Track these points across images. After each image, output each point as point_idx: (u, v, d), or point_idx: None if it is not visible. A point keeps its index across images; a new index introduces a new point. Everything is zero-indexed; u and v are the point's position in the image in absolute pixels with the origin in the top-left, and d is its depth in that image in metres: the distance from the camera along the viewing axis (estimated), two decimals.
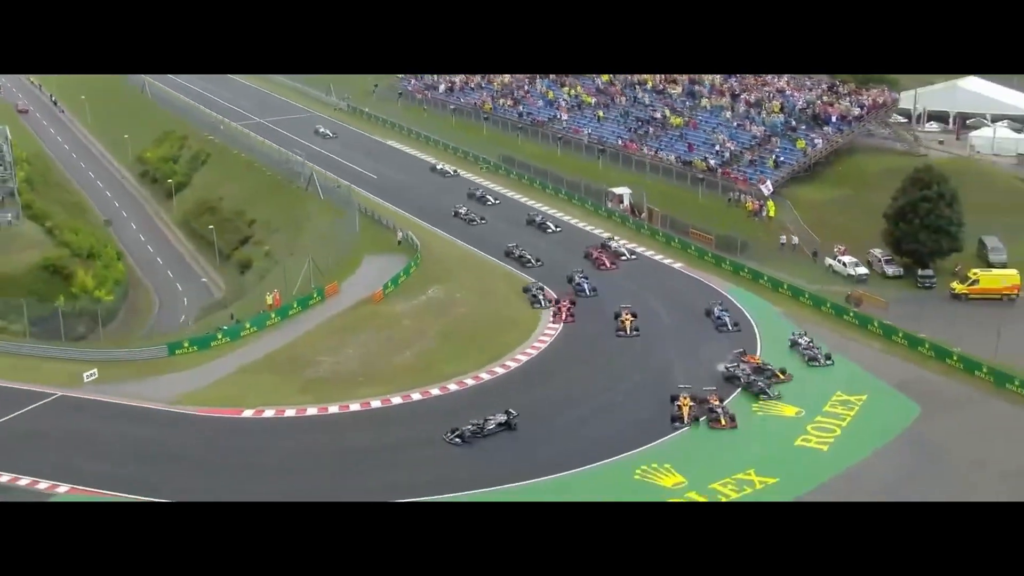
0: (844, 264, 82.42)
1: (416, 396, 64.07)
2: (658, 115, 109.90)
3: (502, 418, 59.10)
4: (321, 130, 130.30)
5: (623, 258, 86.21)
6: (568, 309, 75.26)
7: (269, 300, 77.17)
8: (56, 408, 63.64)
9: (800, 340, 68.48)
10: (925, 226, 79.54)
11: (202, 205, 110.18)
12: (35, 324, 77.08)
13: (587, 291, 78.89)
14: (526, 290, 79.28)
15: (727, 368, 65.42)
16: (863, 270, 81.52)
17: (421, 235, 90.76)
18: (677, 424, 59.09)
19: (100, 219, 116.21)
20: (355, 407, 62.81)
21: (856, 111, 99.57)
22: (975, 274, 77.98)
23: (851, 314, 73.72)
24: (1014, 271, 78.35)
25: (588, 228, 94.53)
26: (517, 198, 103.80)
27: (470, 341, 71.51)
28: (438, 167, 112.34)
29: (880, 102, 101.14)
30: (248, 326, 73.50)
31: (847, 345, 69.78)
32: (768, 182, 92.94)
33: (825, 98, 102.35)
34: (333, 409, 62.66)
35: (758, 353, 68.06)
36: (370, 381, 66.19)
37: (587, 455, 56.24)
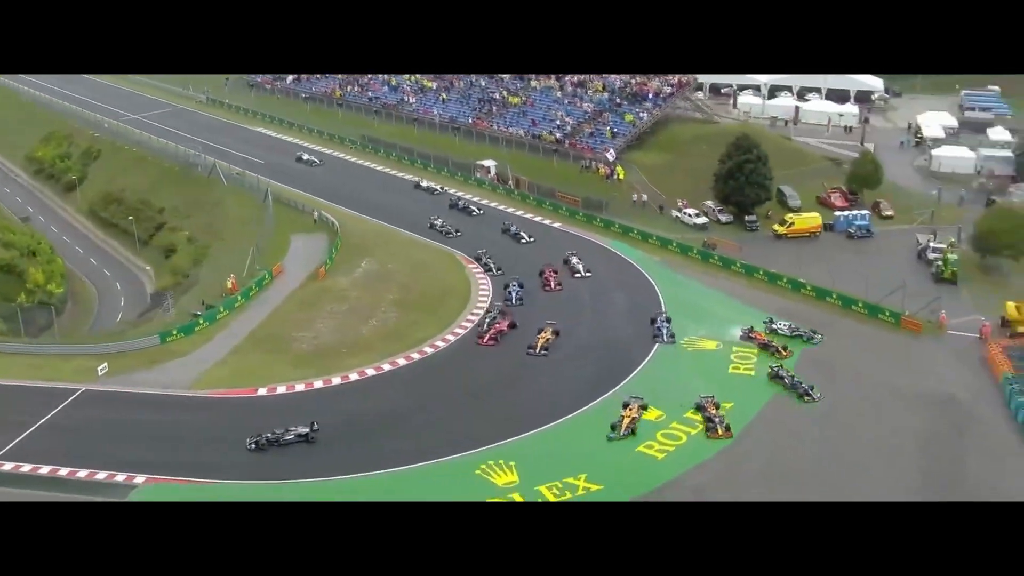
0: (688, 215, 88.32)
1: (401, 361, 65.11)
2: (497, 96, 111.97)
3: (303, 430, 54.73)
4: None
5: (578, 275, 76.41)
6: (495, 333, 66.33)
7: (229, 284, 75.49)
8: (87, 402, 61.02)
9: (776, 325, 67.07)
10: (749, 182, 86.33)
11: (107, 197, 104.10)
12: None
13: (514, 300, 71.83)
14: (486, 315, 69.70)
15: (771, 368, 61.06)
16: (703, 219, 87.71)
17: (327, 212, 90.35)
18: (611, 435, 54.64)
19: (15, 217, 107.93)
20: (354, 376, 63.34)
21: (667, 89, 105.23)
22: (791, 218, 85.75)
23: (715, 258, 79.73)
24: (816, 214, 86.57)
25: (500, 207, 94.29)
26: (395, 173, 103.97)
27: (422, 308, 72.89)
28: (303, 157, 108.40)
29: (684, 81, 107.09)
30: (222, 309, 71.84)
31: (720, 284, 75.65)
32: (611, 150, 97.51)
33: (639, 78, 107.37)
34: (336, 380, 62.88)
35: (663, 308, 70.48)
36: (352, 352, 66.66)
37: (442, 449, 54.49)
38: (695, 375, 62.33)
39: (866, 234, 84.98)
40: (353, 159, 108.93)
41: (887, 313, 68.91)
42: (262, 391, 61.54)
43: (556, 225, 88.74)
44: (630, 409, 56.26)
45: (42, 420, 58.24)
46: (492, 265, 78.91)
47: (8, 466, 53.81)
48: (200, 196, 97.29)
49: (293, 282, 77.77)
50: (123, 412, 59.59)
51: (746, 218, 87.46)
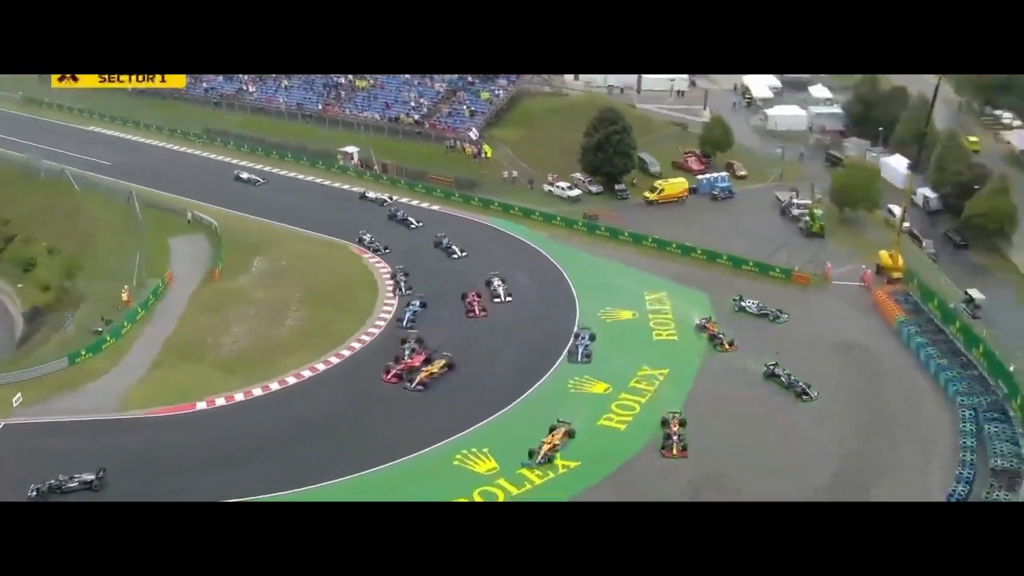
0: (561, 188, 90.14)
1: (334, 360, 63.66)
2: (343, 80, 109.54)
3: (88, 477, 50.21)
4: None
5: (498, 300, 70.01)
6: (402, 370, 60.40)
7: (124, 296, 71.08)
8: (12, 438, 55.82)
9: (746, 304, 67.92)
10: (617, 153, 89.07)
11: None
12: None
13: (405, 322, 66.92)
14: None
15: (767, 367, 59.53)
16: (576, 191, 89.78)
17: (201, 211, 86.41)
18: (526, 462, 51.40)
19: None
20: (291, 380, 61.35)
21: None
22: (660, 184, 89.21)
23: (602, 228, 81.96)
24: (683, 179, 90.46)
25: (371, 193, 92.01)
26: (254, 165, 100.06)
27: (333, 303, 71.24)
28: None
29: None
30: (125, 323, 67.70)
31: (614, 254, 78.04)
32: (474, 129, 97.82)
33: None
34: (274, 386, 60.68)
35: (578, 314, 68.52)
36: (286, 353, 64.59)
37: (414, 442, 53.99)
38: (627, 345, 64.53)
39: (728, 195, 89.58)
40: (206, 154, 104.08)
41: (777, 270, 73.36)
42: (201, 405, 58.76)
43: (435, 208, 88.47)
44: (553, 434, 53.18)
45: None
46: (379, 245, 79.01)
47: None
48: (51, 203, 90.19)
49: (188, 287, 73.85)
50: (57, 443, 55.17)
51: (616, 187, 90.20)
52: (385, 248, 79.11)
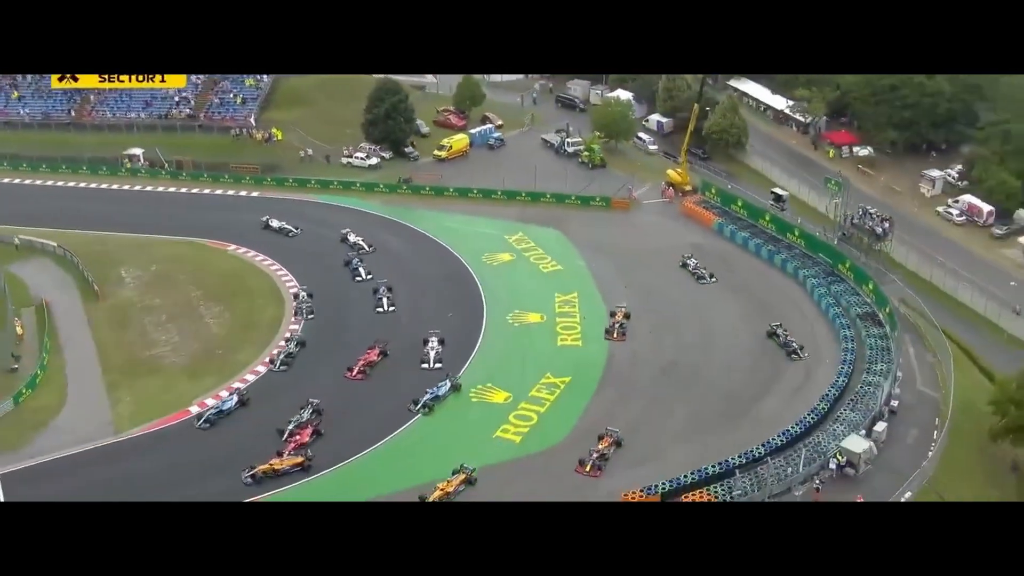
0: (359, 159, 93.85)
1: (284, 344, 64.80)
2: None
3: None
4: None
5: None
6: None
7: (19, 330, 65.94)
8: (20, 485, 51.59)
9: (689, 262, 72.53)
10: (406, 120, 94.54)
11: None
12: None
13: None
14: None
15: (770, 326, 63.86)
16: (375, 160, 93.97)
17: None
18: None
19: None
20: (262, 369, 62.13)
21: None
22: (447, 142, 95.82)
23: (427, 188, 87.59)
24: (464, 135, 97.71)
25: (175, 190, 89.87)
26: (31, 183, 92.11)
27: (236, 295, 71.08)
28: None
29: None
30: (44, 355, 63.36)
31: (449, 208, 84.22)
32: (251, 116, 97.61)
33: None
34: (251, 377, 61.24)
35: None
36: (227, 350, 64.61)
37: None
38: (522, 281, 72.10)
39: (501, 144, 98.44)
40: None
41: (597, 199, 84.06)
42: (194, 409, 58.22)
43: (255, 194, 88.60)
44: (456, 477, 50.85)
45: None
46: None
47: None
48: None
49: (71, 310, 69.71)
50: (80, 479, 52.53)
51: (407, 151, 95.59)
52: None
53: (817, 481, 50.51)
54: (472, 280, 71.58)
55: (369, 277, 71.51)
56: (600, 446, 52.75)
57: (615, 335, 63.58)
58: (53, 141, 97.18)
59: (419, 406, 56.50)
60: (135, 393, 59.96)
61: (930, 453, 52.61)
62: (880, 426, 53.93)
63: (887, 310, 64.02)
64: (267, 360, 62.40)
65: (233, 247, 78.10)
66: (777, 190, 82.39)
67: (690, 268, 71.95)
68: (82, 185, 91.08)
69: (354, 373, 59.84)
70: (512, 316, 66.76)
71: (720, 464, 50.74)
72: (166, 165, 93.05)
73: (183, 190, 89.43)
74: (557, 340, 64.13)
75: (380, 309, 67.63)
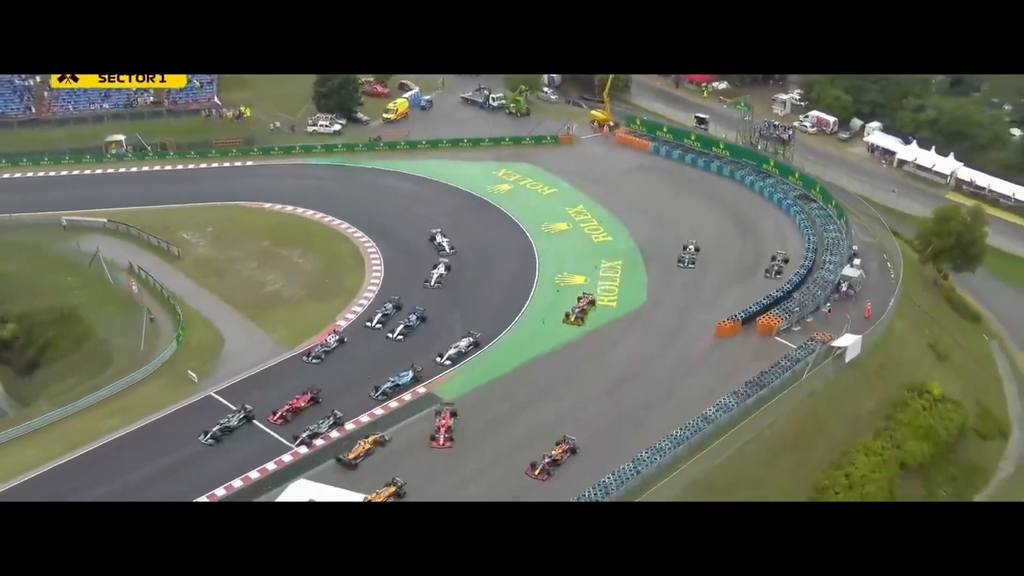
0: (324, 126, 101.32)
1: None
2: (34, 80, 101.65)
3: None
4: None
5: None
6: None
7: (135, 289, 70.59)
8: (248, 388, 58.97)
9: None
10: (352, 89, 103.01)
11: None
12: None
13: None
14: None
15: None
16: (337, 126, 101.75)
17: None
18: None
19: None
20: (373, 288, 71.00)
21: None
22: (392, 106, 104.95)
23: (402, 143, 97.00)
24: (404, 99, 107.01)
25: (161, 167, 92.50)
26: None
27: (306, 241, 78.18)
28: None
29: None
30: (175, 304, 68.70)
31: (427, 156, 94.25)
32: (214, 97, 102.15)
33: None
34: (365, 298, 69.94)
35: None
36: (332, 279, 72.50)
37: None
38: (536, 199, 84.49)
39: (430, 105, 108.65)
40: None
41: (547, 138, 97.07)
42: (342, 323, 66.48)
43: (250, 163, 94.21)
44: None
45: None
46: None
47: None
48: None
49: (160, 270, 73.90)
50: (302, 378, 59.18)
51: (359, 117, 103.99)
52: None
53: (827, 305, 67.24)
54: (492, 206, 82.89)
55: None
56: (555, 452, 52.14)
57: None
58: (21, 139, 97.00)
59: (379, 393, 56.80)
60: (280, 320, 67.15)
61: (893, 274, 71.07)
62: (855, 262, 71.66)
63: (817, 189, 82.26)
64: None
65: (269, 204, 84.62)
66: (699, 114, 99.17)
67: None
68: (75, 173, 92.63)
69: (275, 417, 55.17)
70: (544, 226, 79.03)
71: (767, 297, 66.53)
72: (149, 148, 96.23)
73: (179, 167, 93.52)
74: (592, 238, 77.33)
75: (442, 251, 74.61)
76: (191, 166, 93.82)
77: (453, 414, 54.88)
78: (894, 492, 55.07)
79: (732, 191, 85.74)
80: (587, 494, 48.67)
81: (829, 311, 66.09)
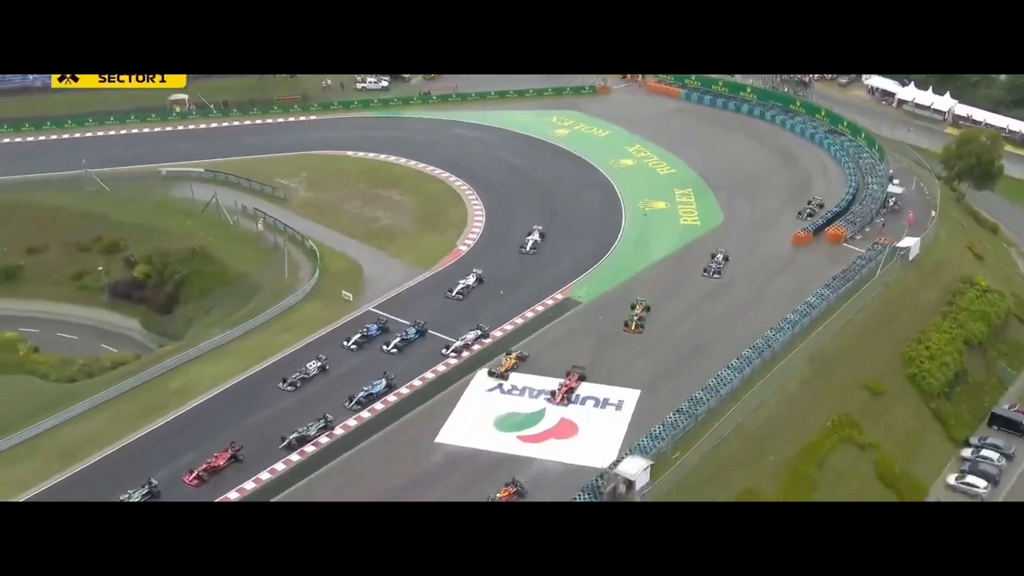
0: (372, 83, 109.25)
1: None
2: None
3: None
4: None
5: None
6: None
7: (260, 227, 78.21)
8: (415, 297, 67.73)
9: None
10: None
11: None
12: None
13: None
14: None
15: None
16: (384, 82, 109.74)
17: None
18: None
19: None
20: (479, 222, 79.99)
21: None
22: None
23: (454, 96, 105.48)
24: None
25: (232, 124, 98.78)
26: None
27: (400, 182, 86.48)
28: None
29: None
30: (302, 238, 76.53)
31: (482, 107, 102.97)
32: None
33: None
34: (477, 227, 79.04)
35: None
36: (439, 213, 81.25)
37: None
38: (599, 138, 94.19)
39: None
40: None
41: (586, 88, 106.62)
42: (462, 248, 75.39)
43: (313, 117, 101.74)
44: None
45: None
46: None
47: None
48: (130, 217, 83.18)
49: (270, 211, 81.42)
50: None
51: (403, 75, 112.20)
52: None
53: (880, 218, 78.69)
54: (559, 148, 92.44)
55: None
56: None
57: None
58: (81, 101, 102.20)
59: (353, 403, 56.90)
60: (404, 248, 75.45)
61: (927, 192, 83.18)
62: (895, 181, 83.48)
63: (845, 123, 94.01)
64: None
65: (351, 152, 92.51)
66: None
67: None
68: (145, 131, 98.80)
69: (191, 478, 51.32)
70: (612, 163, 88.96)
71: (829, 212, 77.87)
72: (212, 106, 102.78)
73: (247, 123, 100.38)
74: (658, 171, 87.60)
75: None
76: (257, 121, 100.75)
77: (581, 378, 58.89)
78: (964, 363, 66.97)
79: (765, 129, 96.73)
80: (723, 373, 58.88)
81: (883, 223, 77.59)
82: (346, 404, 56.74)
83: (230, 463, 52.24)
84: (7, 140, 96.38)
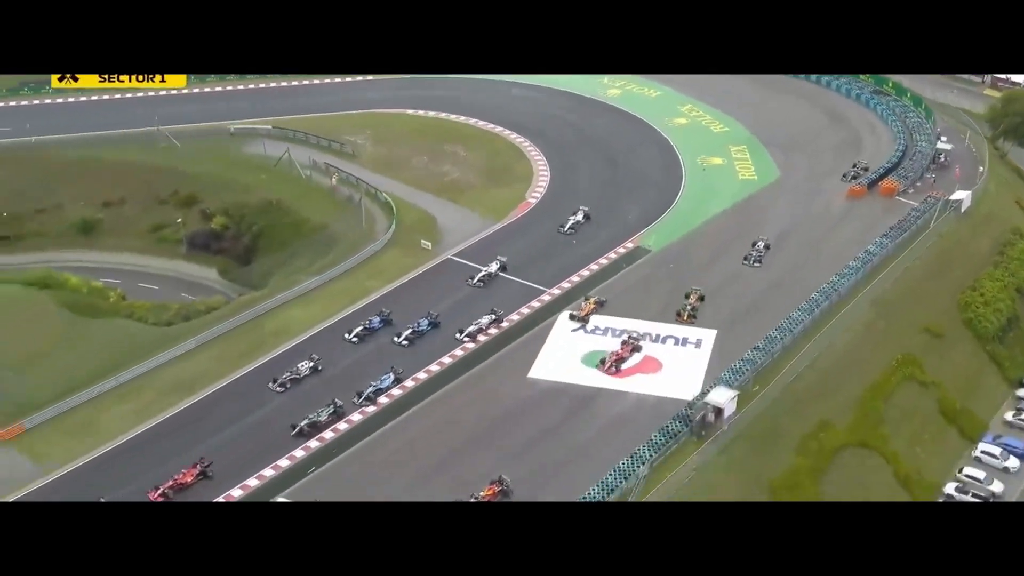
0: None
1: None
2: None
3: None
4: None
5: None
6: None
7: (333, 181, 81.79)
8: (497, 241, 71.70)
9: None
10: None
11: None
12: None
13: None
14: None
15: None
16: None
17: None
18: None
19: None
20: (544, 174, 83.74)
21: None
22: None
23: None
24: None
25: None
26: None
27: (462, 137, 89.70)
28: None
29: None
30: (376, 191, 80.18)
31: None
32: None
33: None
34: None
35: None
36: (505, 166, 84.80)
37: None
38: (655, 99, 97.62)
39: None
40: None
41: None
42: (532, 201, 79.08)
43: (358, 79, 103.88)
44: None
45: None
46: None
47: None
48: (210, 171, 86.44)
49: (340, 166, 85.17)
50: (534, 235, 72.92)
51: None
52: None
53: (930, 174, 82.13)
54: (613, 107, 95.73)
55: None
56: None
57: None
58: None
59: (362, 398, 56.63)
60: (474, 200, 79.08)
61: (974, 149, 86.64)
62: (943, 138, 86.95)
63: (890, 84, 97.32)
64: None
65: (411, 110, 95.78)
66: None
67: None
68: (195, 91, 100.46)
69: (156, 494, 49.52)
70: (666, 121, 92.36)
71: (880, 168, 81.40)
72: None
73: (294, 83, 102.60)
74: (712, 129, 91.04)
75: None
76: (316, 81, 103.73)
77: (635, 349, 59.98)
78: (1016, 309, 70.88)
79: (812, 90, 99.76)
80: (795, 315, 62.66)
81: (933, 179, 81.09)
82: (355, 400, 56.37)
83: (198, 479, 50.72)
84: (73, 99, 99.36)
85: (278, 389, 58.03)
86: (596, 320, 63.06)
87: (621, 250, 71.44)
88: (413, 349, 61.29)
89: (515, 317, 64.08)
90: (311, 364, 59.40)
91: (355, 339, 62.23)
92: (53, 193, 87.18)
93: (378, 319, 63.54)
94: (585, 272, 68.83)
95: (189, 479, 50.62)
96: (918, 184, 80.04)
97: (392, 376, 58.21)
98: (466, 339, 61.62)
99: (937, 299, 68.75)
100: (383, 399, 57.06)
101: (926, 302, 67.96)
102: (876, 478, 56.08)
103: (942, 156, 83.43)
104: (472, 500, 47.93)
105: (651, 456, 50.99)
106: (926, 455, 58.88)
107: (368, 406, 56.28)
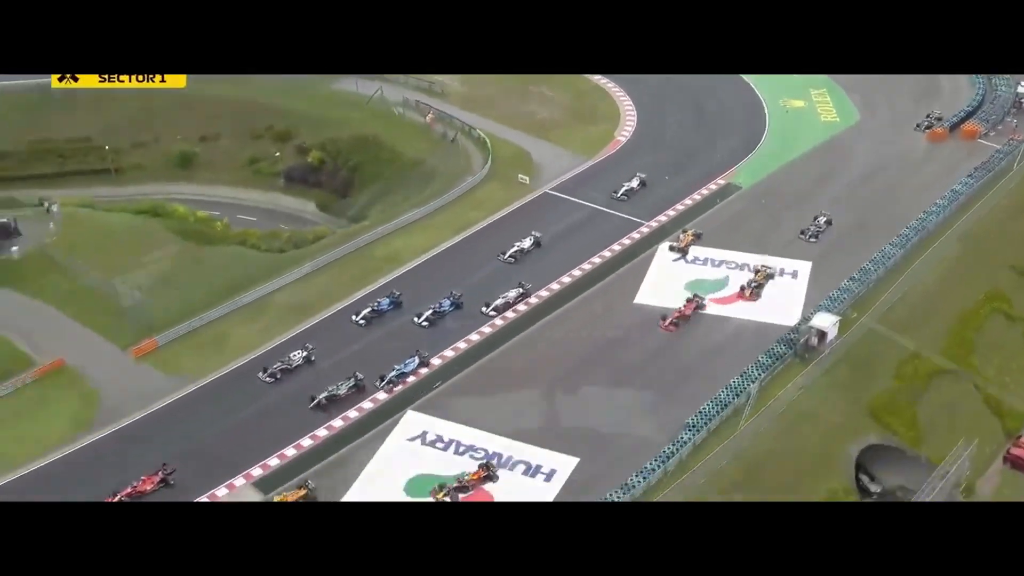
0: None
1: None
2: None
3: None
4: None
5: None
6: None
7: (428, 119, 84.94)
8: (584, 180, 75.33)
9: None
10: None
11: None
12: None
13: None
14: None
15: None
16: None
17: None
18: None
19: None
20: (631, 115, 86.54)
21: None
22: None
23: None
24: None
25: None
26: None
27: (543, 80, 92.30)
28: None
29: None
30: (471, 128, 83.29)
31: None
32: None
33: None
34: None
35: None
36: (590, 107, 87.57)
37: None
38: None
39: None
40: None
41: None
42: (621, 139, 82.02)
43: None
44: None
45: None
46: None
47: None
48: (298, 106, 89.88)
49: (439, 106, 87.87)
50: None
51: None
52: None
53: (1012, 118, 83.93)
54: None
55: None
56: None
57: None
58: None
59: (384, 383, 54.70)
60: (566, 138, 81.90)
61: None
62: (1023, 83, 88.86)
63: None
64: None
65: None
66: None
67: None
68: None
69: (116, 499, 47.08)
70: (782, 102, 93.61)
71: (961, 112, 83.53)
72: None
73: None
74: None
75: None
76: None
77: (699, 307, 60.73)
78: None
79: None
80: (887, 248, 65.59)
81: (1015, 123, 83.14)
82: (377, 384, 54.48)
83: (159, 487, 48.21)
84: None
85: (268, 379, 55.68)
86: (696, 251, 66.24)
87: (713, 186, 74.36)
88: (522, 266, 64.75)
89: (616, 248, 67.40)
90: (304, 355, 56.88)
91: (362, 321, 60.24)
92: (150, 128, 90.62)
93: (387, 300, 61.69)
94: (680, 207, 71.85)
95: (148, 487, 48.03)
96: (999, 127, 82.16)
97: (416, 359, 55.99)
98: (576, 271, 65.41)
99: (1022, 238, 71.32)
100: (510, 313, 60.65)
101: (1012, 240, 70.47)
102: (967, 403, 59.25)
103: (1023, 100, 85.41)
104: (457, 483, 46.87)
105: (759, 375, 54.45)
106: (1014, 384, 61.87)
107: (391, 389, 54.34)
